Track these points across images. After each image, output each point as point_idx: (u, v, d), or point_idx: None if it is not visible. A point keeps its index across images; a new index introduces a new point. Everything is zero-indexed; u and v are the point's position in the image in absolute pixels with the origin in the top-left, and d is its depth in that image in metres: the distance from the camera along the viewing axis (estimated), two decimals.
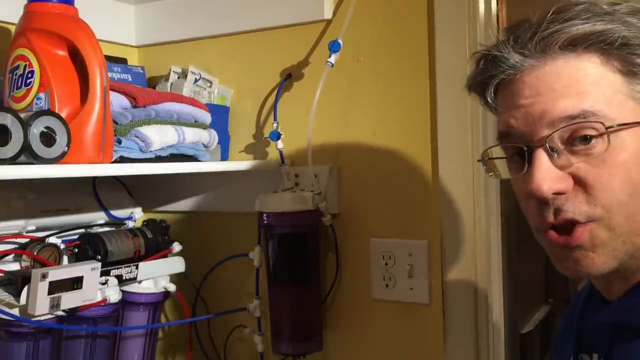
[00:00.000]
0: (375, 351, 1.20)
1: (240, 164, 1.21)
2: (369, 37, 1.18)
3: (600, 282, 0.73)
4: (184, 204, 1.39)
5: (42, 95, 0.93)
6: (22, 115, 0.84)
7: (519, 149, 0.66)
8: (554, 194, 0.63)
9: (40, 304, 0.96)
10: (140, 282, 1.19)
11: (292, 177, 1.24)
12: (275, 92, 1.26)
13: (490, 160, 0.73)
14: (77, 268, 1.02)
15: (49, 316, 1.01)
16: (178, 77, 1.28)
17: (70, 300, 1.00)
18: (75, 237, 1.17)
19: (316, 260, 1.21)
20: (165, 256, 1.24)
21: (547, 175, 0.63)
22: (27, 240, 1.11)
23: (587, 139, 0.62)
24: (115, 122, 1.02)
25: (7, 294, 1.01)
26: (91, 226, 1.24)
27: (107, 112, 0.96)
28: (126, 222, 1.29)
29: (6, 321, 0.98)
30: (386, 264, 1.17)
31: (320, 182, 1.21)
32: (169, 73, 1.28)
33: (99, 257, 1.11)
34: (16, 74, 0.94)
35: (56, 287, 0.97)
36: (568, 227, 0.64)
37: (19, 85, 0.94)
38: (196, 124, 1.18)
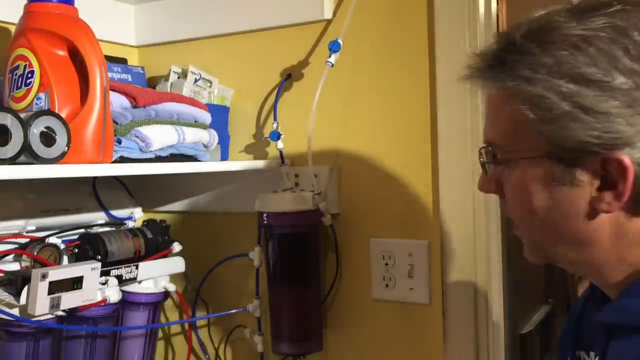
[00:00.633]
0: (375, 351, 1.20)
1: (240, 164, 1.21)
2: (369, 37, 1.18)
3: (606, 286, 0.73)
4: (184, 204, 1.39)
5: (42, 95, 0.93)
6: (22, 115, 0.84)
7: None
8: (486, 192, 0.76)
9: (40, 304, 0.96)
10: (140, 282, 1.19)
11: (292, 177, 1.24)
12: (275, 92, 1.26)
13: None
14: (77, 268, 1.02)
15: (49, 316, 1.01)
16: (178, 77, 1.28)
17: (70, 300, 1.00)
18: (75, 237, 1.17)
19: (316, 260, 1.21)
20: (165, 256, 1.24)
21: (482, 176, 0.75)
22: (27, 240, 1.11)
23: (495, 157, 0.72)
24: (115, 122, 1.02)
25: (7, 294, 1.00)
26: (91, 226, 1.24)
27: (107, 112, 0.96)
28: (126, 222, 1.29)
29: (6, 321, 0.98)
30: (386, 264, 1.17)
31: (320, 182, 1.21)
32: (169, 73, 1.28)
33: (99, 257, 1.11)
34: (16, 74, 0.94)
35: (56, 287, 0.97)
36: None
37: (19, 85, 0.94)
38: (196, 124, 1.18)
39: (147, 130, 1.05)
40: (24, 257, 1.08)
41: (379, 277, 1.19)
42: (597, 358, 0.71)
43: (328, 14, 1.21)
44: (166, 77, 1.28)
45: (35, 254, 1.07)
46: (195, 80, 1.27)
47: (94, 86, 0.94)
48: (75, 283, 1.00)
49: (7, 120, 0.82)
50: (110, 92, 1.00)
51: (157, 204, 1.41)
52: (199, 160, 1.18)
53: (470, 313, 1.11)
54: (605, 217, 0.64)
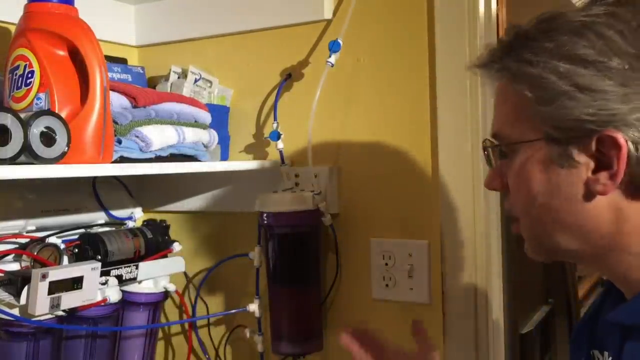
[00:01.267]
0: None
1: (240, 164, 1.21)
2: (369, 37, 1.18)
3: (617, 280, 0.73)
4: (184, 204, 1.39)
5: (42, 95, 0.93)
6: (22, 115, 0.84)
7: None
8: (491, 189, 0.76)
9: (41, 304, 0.96)
10: (140, 282, 1.19)
11: (292, 177, 1.24)
12: (275, 92, 1.26)
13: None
14: (77, 268, 1.02)
15: (49, 316, 1.01)
16: (178, 77, 1.28)
17: (70, 300, 1.00)
18: (75, 237, 1.17)
19: (316, 260, 1.21)
20: (165, 256, 1.24)
21: (489, 172, 0.76)
22: (27, 240, 1.11)
23: (500, 149, 0.74)
24: (115, 122, 1.02)
25: (7, 294, 1.01)
26: (91, 226, 1.24)
27: (107, 112, 0.96)
28: (126, 222, 1.29)
29: (6, 321, 0.98)
30: (386, 264, 1.18)
31: (320, 182, 1.21)
32: (169, 73, 1.28)
33: (99, 257, 1.11)
34: (16, 74, 0.94)
35: (56, 287, 0.97)
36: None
37: (19, 85, 0.94)
38: (196, 124, 1.18)
39: (147, 130, 1.05)
40: (24, 257, 1.08)
41: (379, 277, 1.19)
42: (610, 358, 0.71)
43: (328, 14, 1.21)
44: (166, 77, 1.28)
45: (35, 254, 1.07)
46: (196, 80, 1.27)
47: (94, 86, 0.94)
48: (75, 283, 1.00)
49: (7, 120, 0.82)
50: (111, 92, 1.00)
51: (157, 204, 1.41)
52: (199, 160, 1.18)
53: (470, 313, 1.11)
54: (604, 200, 0.65)
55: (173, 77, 1.28)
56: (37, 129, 0.85)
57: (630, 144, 0.62)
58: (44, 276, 0.96)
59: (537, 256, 0.74)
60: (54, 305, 0.98)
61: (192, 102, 1.19)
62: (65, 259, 1.09)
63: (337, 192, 1.22)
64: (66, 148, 0.89)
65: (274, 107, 1.24)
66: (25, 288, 0.97)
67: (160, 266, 1.22)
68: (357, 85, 1.20)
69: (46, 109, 0.92)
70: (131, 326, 1.21)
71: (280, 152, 1.22)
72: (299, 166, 1.24)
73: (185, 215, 1.40)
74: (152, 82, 1.34)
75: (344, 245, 1.22)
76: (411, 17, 1.14)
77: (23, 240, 1.11)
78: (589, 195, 0.65)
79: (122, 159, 1.02)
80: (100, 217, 1.28)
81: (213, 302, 1.37)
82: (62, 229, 1.18)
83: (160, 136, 1.07)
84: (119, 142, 1.02)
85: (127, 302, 1.18)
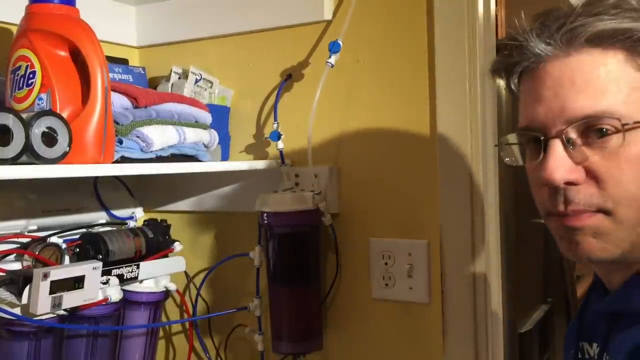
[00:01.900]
0: (375, 351, 1.21)
1: (240, 164, 1.22)
2: (368, 37, 1.19)
3: (601, 272, 0.74)
4: (185, 204, 1.39)
5: (43, 95, 0.93)
6: (23, 116, 0.85)
7: (536, 138, 0.68)
8: (566, 183, 0.65)
9: (42, 303, 0.96)
10: (141, 281, 1.19)
11: (292, 177, 1.24)
12: (276, 92, 1.26)
13: (509, 146, 0.75)
14: (78, 267, 1.02)
15: (51, 315, 1.01)
16: (179, 78, 1.29)
17: (71, 299, 1.00)
18: (76, 236, 1.18)
19: (316, 259, 1.22)
20: (166, 256, 1.24)
21: (560, 164, 0.65)
22: (28, 240, 1.11)
23: (602, 132, 0.64)
24: (116, 122, 1.02)
25: (8, 293, 1.01)
26: (92, 226, 1.25)
27: (109, 112, 0.96)
28: (127, 221, 1.29)
29: (8, 320, 0.98)
30: (386, 264, 1.18)
31: (320, 182, 1.22)
32: (170, 74, 1.28)
33: (100, 256, 1.12)
34: (18, 74, 0.95)
35: (57, 287, 0.98)
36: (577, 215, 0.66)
37: (21, 85, 0.94)
38: (197, 124, 1.18)
39: (148, 131, 1.06)
40: (26, 256, 1.09)
41: (379, 276, 1.19)
42: (598, 349, 0.72)
43: (328, 15, 1.21)
44: (167, 78, 1.29)
45: (37, 253, 1.07)
46: (196, 81, 1.27)
47: (95, 86, 0.94)
48: (77, 282, 1.01)
49: (9, 120, 0.83)
50: (112, 92, 1.00)
51: (158, 203, 1.42)
52: (200, 160, 1.18)
53: (469, 312, 1.11)
54: None
55: (174, 78, 1.28)
56: (38, 129, 0.86)
57: None
58: (46, 275, 0.96)
59: (607, 254, 0.66)
60: (56, 305, 0.98)
61: (192, 102, 1.19)
62: (67, 258, 1.10)
63: (337, 192, 1.22)
64: (67, 148, 0.89)
65: (274, 107, 1.25)
66: (27, 287, 0.97)
67: (161, 266, 1.22)
68: (357, 85, 1.20)
69: (48, 109, 0.93)
70: (132, 325, 1.22)
71: (281, 152, 1.22)
72: (299, 166, 1.24)
73: (186, 215, 1.41)
74: (153, 83, 1.35)
75: (343, 245, 1.23)
76: (411, 18, 1.15)
77: (24, 240, 1.11)
78: None
79: (123, 159, 1.03)
80: (101, 216, 1.28)
81: (214, 301, 1.38)
82: (63, 229, 1.19)
83: (161, 136, 1.08)
84: (120, 142, 1.02)
85: (128, 301, 1.19)
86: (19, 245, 1.10)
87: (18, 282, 0.99)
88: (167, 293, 1.24)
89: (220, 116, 1.28)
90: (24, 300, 0.97)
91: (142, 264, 1.17)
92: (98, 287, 1.06)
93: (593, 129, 0.64)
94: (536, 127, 0.68)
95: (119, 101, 1.06)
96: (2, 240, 1.08)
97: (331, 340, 1.25)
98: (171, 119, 1.12)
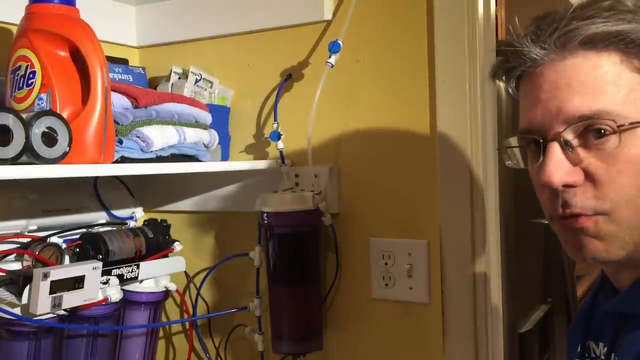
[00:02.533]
0: (375, 351, 1.21)
1: (240, 164, 1.22)
2: (369, 37, 1.19)
3: (609, 270, 0.74)
4: (185, 204, 1.39)
5: (43, 95, 0.94)
6: (23, 116, 0.85)
7: (536, 140, 0.69)
8: (564, 186, 0.65)
9: (42, 303, 0.96)
10: (141, 281, 1.19)
11: (292, 177, 1.24)
12: (276, 92, 1.26)
13: (510, 149, 0.75)
14: (78, 267, 1.02)
15: (51, 315, 1.01)
16: (179, 78, 1.29)
17: (71, 299, 1.00)
18: (76, 236, 1.18)
19: (316, 259, 1.22)
20: (166, 256, 1.24)
21: (558, 167, 0.65)
22: (28, 240, 1.11)
23: (599, 133, 0.64)
24: (116, 122, 1.03)
25: (8, 293, 1.01)
26: (92, 226, 1.25)
27: (109, 112, 0.96)
28: (127, 221, 1.30)
29: (8, 320, 0.98)
30: (386, 264, 1.18)
31: (320, 182, 1.22)
32: (170, 74, 1.28)
33: (100, 256, 1.12)
34: (18, 74, 0.95)
35: (58, 287, 0.98)
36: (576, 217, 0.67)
37: (21, 85, 0.94)
38: (197, 124, 1.18)
39: (148, 131, 1.06)
40: (26, 256, 1.09)
41: (379, 276, 1.19)
42: (605, 349, 0.72)
43: (328, 15, 1.21)
44: (167, 78, 1.29)
45: (37, 253, 1.07)
46: (196, 81, 1.27)
47: (95, 86, 0.94)
48: (77, 282, 1.01)
49: (9, 120, 0.83)
50: (112, 92, 1.00)
51: (158, 203, 1.42)
52: (200, 160, 1.18)
53: (469, 312, 1.11)
54: None
55: (174, 78, 1.28)
56: (38, 129, 0.86)
57: None
58: (46, 275, 0.96)
59: (614, 255, 0.66)
60: (56, 305, 0.98)
61: (192, 102, 1.19)
62: (67, 258, 1.10)
63: (337, 192, 1.22)
64: (67, 148, 0.89)
65: (274, 107, 1.25)
66: (27, 287, 0.97)
67: (161, 266, 1.22)
68: (357, 85, 1.20)
69: (48, 109, 0.93)
70: (132, 325, 1.22)
71: (281, 152, 1.22)
72: (299, 166, 1.24)
73: (186, 215, 1.41)
74: (153, 83, 1.35)
75: (343, 245, 1.23)
76: (411, 18, 1.15)
77: (24, 240, 1.11)
78: None
79: (123, 159, 1.03)
80: (101, 216, 1.29)
81: (214, 301, 1.38)
82: (63, 229, 1.19)
83: (161, 136, 1.08)
84: (120, 142, 1.02)
85: (128, 301, 1.19)
86: (19, 245, 1.10)
87: (18, 282, 0.99)
88: (167, 293, 1.24)
89: (220, 116, 1.28)
90: (24, 300, 0.97)
91: (142, 264, 1.17)
92: (98, 287, 1.06)
93: (590, 130, 0.65)
94: (535, 129, 0.68)
95: (119, 101, 1.06)
96: (2, 240, 1.08)
97: (331, 340, 1.25)
98: (171, 119, 1.12)
